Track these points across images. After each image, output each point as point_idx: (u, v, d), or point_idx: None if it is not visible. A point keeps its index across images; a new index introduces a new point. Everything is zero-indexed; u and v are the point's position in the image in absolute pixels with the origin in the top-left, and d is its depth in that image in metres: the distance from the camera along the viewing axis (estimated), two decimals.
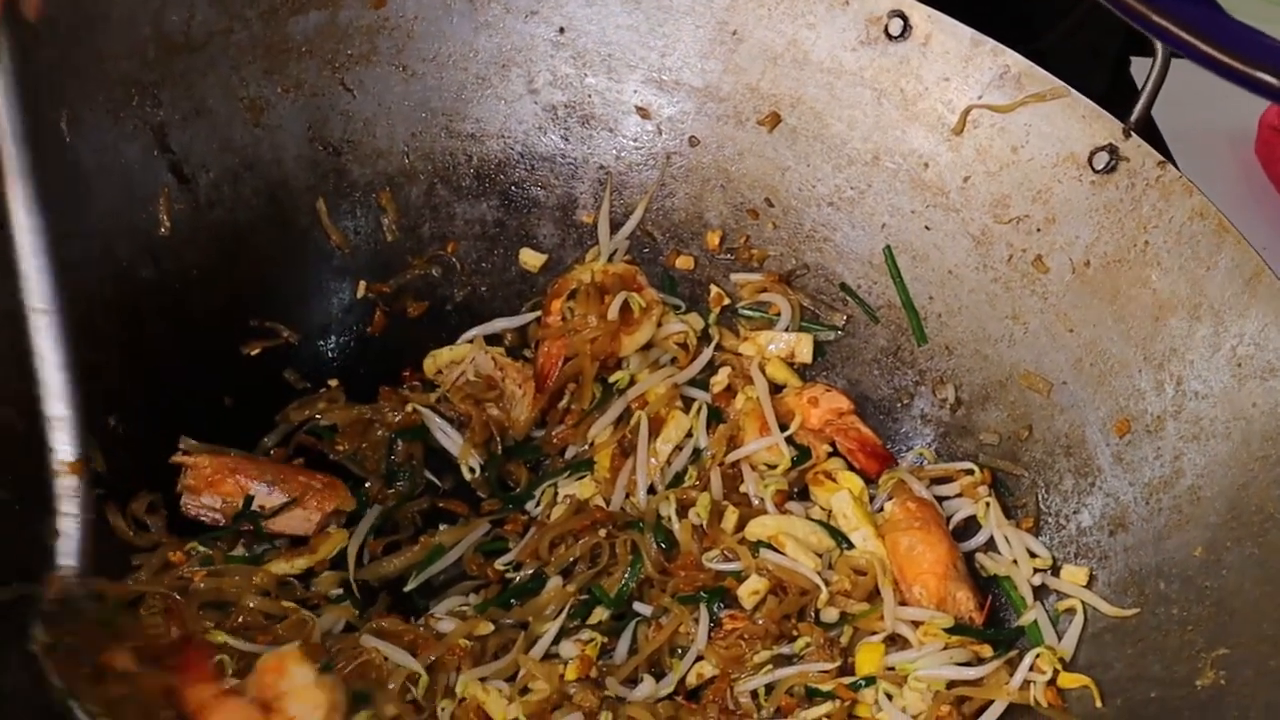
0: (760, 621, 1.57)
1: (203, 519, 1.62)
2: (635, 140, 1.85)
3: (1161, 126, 2.09)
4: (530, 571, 1.63)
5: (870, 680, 1.53)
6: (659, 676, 1.56)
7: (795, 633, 1.58)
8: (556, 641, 1.58)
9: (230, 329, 1.73)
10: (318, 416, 1.73)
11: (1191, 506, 1.51)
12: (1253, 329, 1.50)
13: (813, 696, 1.54)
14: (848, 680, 1.53)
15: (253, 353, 1.74)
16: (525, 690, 1.52)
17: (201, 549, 1.57)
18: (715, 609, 1.59)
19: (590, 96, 1.84)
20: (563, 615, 1.58)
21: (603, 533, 1.64)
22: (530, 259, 1.86)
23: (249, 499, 1.62)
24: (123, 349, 1.63)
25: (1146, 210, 1.60)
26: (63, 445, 1.38)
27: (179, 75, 1.68)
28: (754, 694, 1.54)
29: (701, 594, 1.60)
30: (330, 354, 1.79)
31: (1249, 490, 1.46)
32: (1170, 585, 1.50)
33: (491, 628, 1.57)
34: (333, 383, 1.77)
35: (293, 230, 1.78)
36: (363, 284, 1.81)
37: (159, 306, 1.67)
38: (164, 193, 1.68)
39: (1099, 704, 1.48)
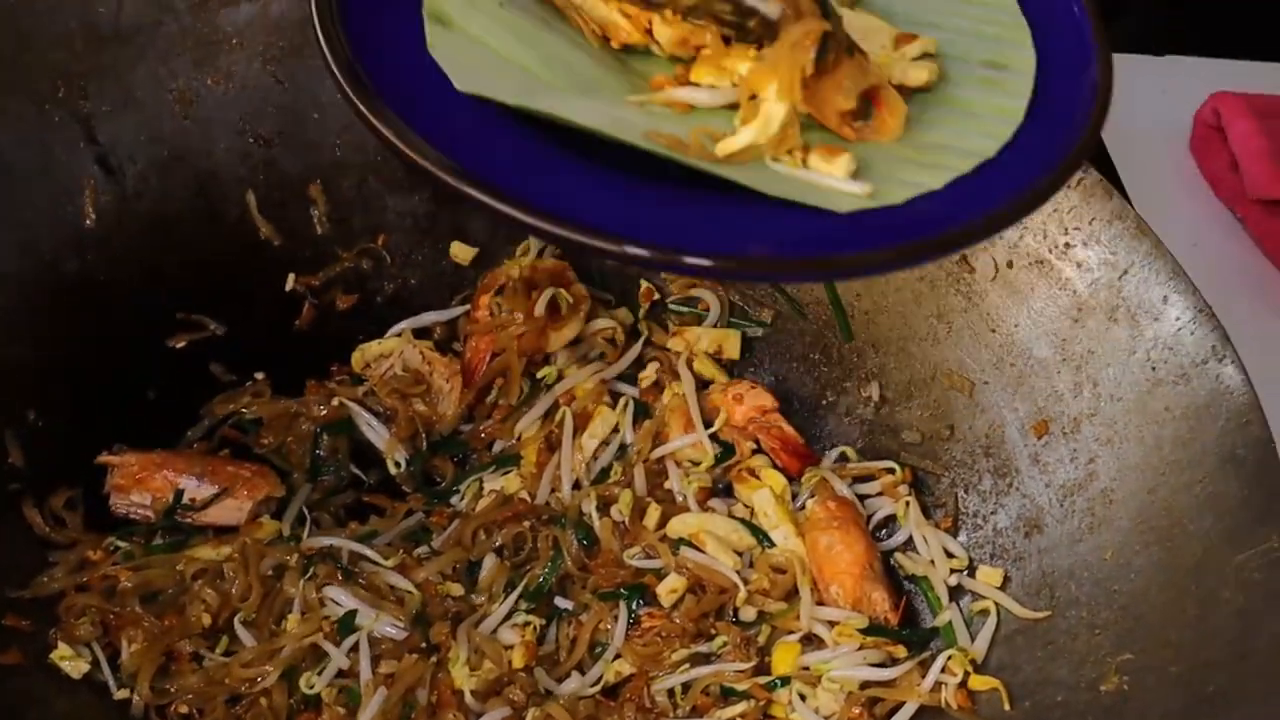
0: (678, 620, 1.58)
1: (133, 516, 1.62)
2: None
3: None
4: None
5: (785, 680, 1.54)
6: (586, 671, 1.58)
7: (713, 631, 1.59)
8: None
9: (156, 321, 1.72)
10: (243, 410, 1.73)
11: (1104, 509, 1.53)
12: (1167, 333, 1.51)
13: (728, 696, 1.55)
14: (763, 680, 1.54)
15: (178, 345, 1.74)
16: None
17: (120, 544, 1.57)
18: (634, 607, 1.60)
19: None
20: (514, 595, 1.59)
21: (526, 524, 1.64)
22: (461, 252, 1.86)
23: (179, 493, 1.62)
24: (44, 342, 1.62)
25: (1067, 212, 1.60)
26: None
27: (107, 66, 1.67)
28: (670, 693, 1.55)
29: (621, 591, 1.60)
30: (257, 347, 1.78)
31: (1158, 495, 1.47)
32: (1081, 588, 1.51)
33: (461, 590, 1.60)
34: (259, 376, 1.76)
35: (222, 222, 1.77)
36: (292, 276, 1.81)
37: (83, 299, 1.66)
38: (90, 185, 1.67)
39: (1008, 707, 1.49)
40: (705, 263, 1.05)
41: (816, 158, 1.12)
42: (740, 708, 1.53)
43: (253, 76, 1.77)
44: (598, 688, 1.57)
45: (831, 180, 1.11)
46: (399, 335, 1.81)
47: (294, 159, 1.81)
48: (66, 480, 1.60)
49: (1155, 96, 2.14)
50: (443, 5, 1.20)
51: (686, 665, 1.56)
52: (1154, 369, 1.52)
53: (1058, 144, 1.18)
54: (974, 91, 1.24)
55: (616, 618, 1.59)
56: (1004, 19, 1.30)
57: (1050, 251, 1.61)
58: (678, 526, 1.65)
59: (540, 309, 1.74)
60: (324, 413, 1.73)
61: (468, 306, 1.81)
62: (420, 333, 1.82)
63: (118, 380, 1.67)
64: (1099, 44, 1.25)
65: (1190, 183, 2.10)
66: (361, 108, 1.10)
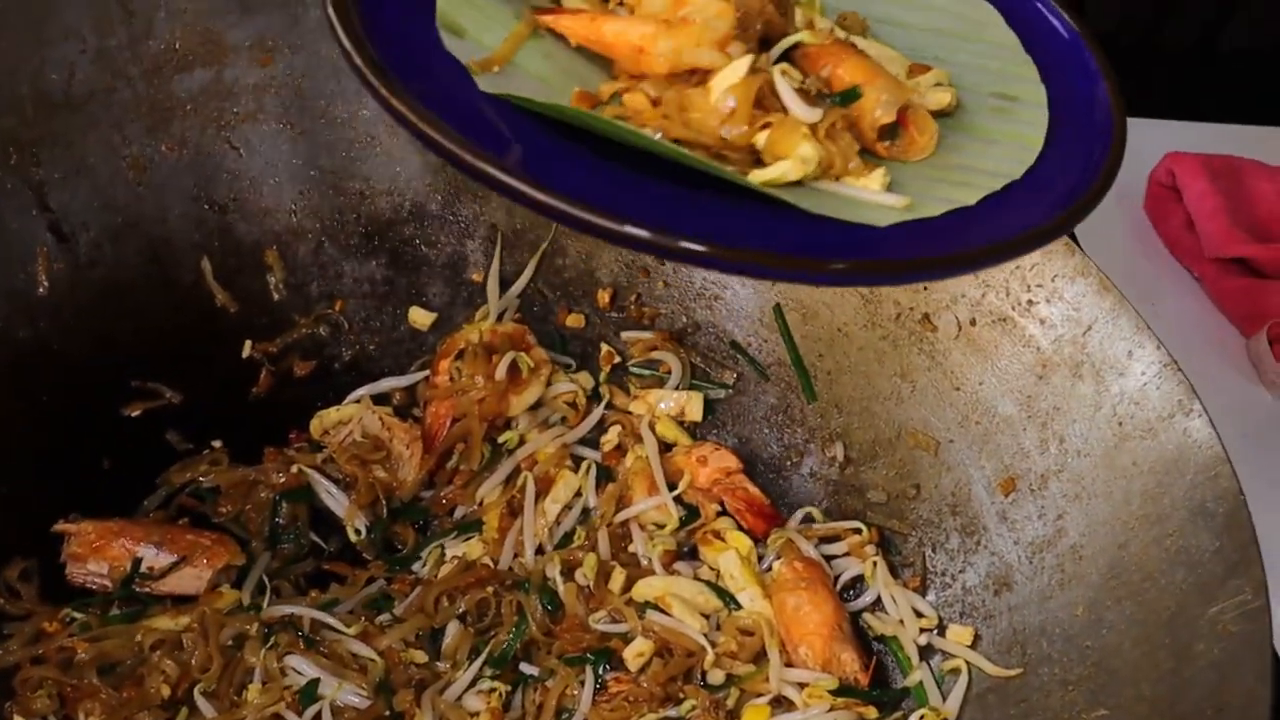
0: (645, 684, 1.56)
1: (90, 586, 1.59)
2: None
3: None
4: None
5: None
6: None
7: (681, 695, 1.57)
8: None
9: (111, 389, 1.70)
10: (200, 478, 1.71)
11: (1074, 565, 1.51)
12: (1133, 388, 1.50)
13: None
14: None
15: (134, 414, 1.71)
16: None
17: (77, 615, 1.54)
18: (601, 671, 1.58)
19: None
20: (479, 661, 1.57)
21: (490, 590, 1.62)
22: (419, 317, 1.84)
23: (137, 561, 1.59)
24: None
25: (1029, 269, 1.60)
26: None
27: (59, 133, 1.66)
28: None
29: (587, 656, 1.58)
30: (214, 414, 1.75)
31: (1129, 549, 1.46)
32: (1053, 645, 1.49)
33: (425, 658, 1.58)
34: (216, 444, 1.74)
35: (176, 289, 1.75)
36: (249, 343, 1.79)
37: (35, 367, 1.64)
38: (42, 252, 1.65)
39: None
40: (747, 260, 1.03)
41: (851, 172, 1.11)
42: None
43: (206, 142, 1.76)
44: None
45: (868, 194, 1.11)
46: (358, 401, 1.79)
47: (249, 225, 1.80)
48: (20, 551, 1.57)
49: None
50: (455, 16, 1.18)
51: None
52: (1120, 424, 1.52)
53: (1080, 169, 1.17)
54: (991, 120, 1.24)
55: (583, 683, 1.56)
56: (1007, 55, 1.30)
57: (1013, 309, 1.61)
58: (643, 590, 1.63)
59: (501, 373, 1.72)
60: (283, 480, 1.71)
61: (427, 372, 1.79)
62: (379, 399, 1.80)
63: (72, 449, 1.64)
64: (1104, 74, 1.26)
65: (1146, 243, 2.11)
66: (376, 84, 1.06)
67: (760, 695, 1.56)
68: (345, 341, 1.84)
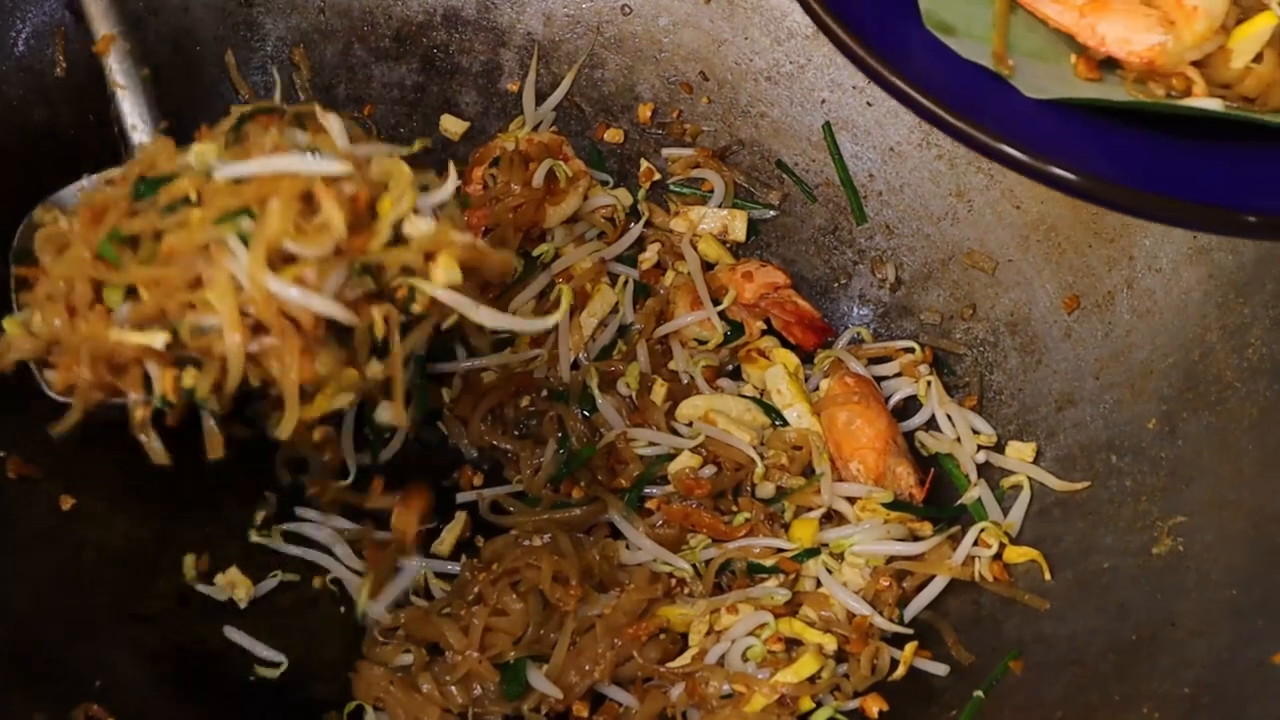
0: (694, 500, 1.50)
1: None
2: (565, 6, 1.76)
3: None
4: None
5: (813, 552, 1.46)
6: None
7: (734, 509, 1.51)
8: None
9: None
10: None
11: (1144, 380, 1.47)
12: None
13: (755, 573, 1.46)
14: (790, 551, 1.46)
15: None
16: None
17: None
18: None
19: None
20: None
21: (526, 401, 1.56)
22: (452, 125, 1.76)
23: None
24: (11, 192, 1.50)
25: None
26: None
27: None
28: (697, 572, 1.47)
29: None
30: None
31: (1206, 361, 1.41)
32: (1122, 458, 1.45)
33: None
34: None
35: (199, 82, 1.67)
36: None
37: (51, 151, 1.55)
38: (60, 32, 1.56)
39: (1048, 577, 1.43)
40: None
41: None
42: (771, 583, 1.45)
43: None
44: None
45: None
46: None
47: (275, 20, 1.71)
48: None
49: None
50: (941, 14, 1.17)
51: (709, 543, 1.48)
52: (1195, 238, 1.46)
53: None
54: None
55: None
56: None
57: None
58: (688, 410, 1.57)
59: (538, 180, 1.65)
60: None
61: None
62: None
63: None
64: None
65: None
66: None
67: (810, 510, 1.50)
68: None
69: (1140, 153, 1.09)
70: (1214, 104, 1.08)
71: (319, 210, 1.10)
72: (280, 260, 1.09)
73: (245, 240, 1.09)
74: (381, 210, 1.14)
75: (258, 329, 1.10)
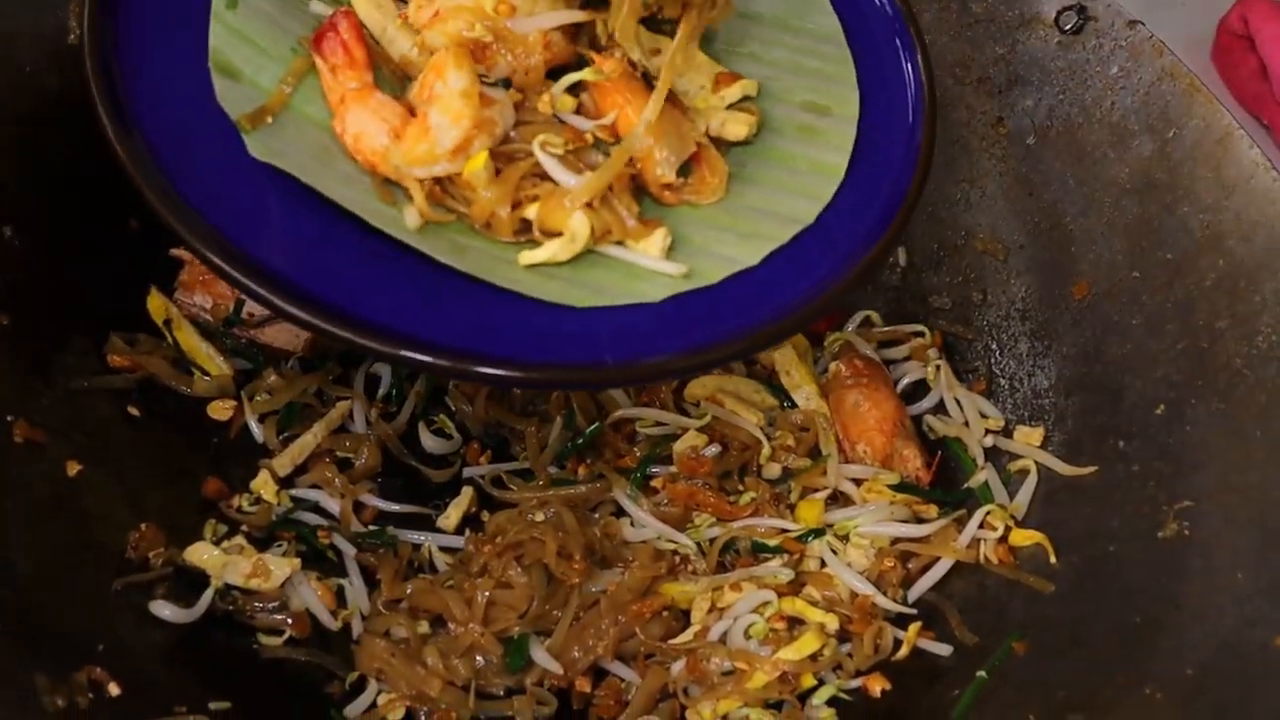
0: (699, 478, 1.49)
1: (193, 316, 1.57)
2: None
3: None
4: None
5: (817, 533, 1.45)
6: None
7: (740, 488, 1.51)
8: None
9: None
10: None
11: (1152, 367, 1.46)
12: (1219, 193, 1.44)
13: (759, 552, 1.46)
14: (795, 531, 1.46)
15: None
16: None
17: None
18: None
19: None
20: None
21: None
22: None
23: (240, 303, 1.56)
24: (22, 159, 1.50)
25: (1114, 71, 1.54)
26: None
27: None
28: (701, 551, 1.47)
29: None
30: None
31: (1216, 348, 1.40)
32: (1130, 443, 1.45)
33: None
34: None
35: None
36: None
37: (64, 118, 1.54)
38: None
39: (1054, 560, 1.42)
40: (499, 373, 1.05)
41: (631, 233, 1.13)
42: (774, 563, 1.44)
43: None
44: None
45: (647, 260, 1.12)
46: None
47: None
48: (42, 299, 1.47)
49: (1176, 4, 2.09)
50: (229, 55, 1.16)
51: (713, 522, 1.48)
52: (1207, 228, 1.46)
53: (879, 208, 1.18)
54: (794, 144, 1.23)
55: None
56: (827, 50, 1.29)
57: (1095, 113, 1.55)
58: (696, 389, 1.56)
59: None
60: None
61: None
62: None
63: (98, 205, 1.54)
64: (924, 81, 1.29)
65: (1215, 91, 2.04)
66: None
67: (816, 491, 1.49)
68: None
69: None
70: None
71: None
72: None
73: None
74: None
75: None
